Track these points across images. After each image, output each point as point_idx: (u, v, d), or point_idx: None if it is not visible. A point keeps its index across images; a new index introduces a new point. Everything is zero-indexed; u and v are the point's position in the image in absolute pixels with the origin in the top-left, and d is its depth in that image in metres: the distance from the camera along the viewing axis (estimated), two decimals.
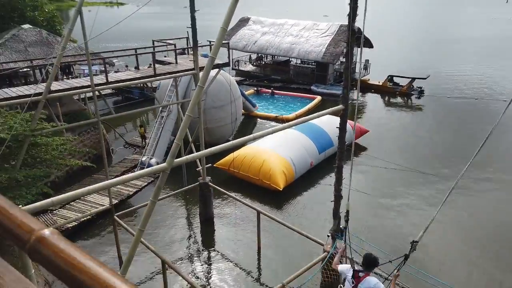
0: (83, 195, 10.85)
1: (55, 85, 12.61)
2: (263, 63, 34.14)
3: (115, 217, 10.92)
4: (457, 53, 43.66)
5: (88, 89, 11.35)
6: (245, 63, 33.87)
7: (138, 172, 5.85)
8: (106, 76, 14.02)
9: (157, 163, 14.96)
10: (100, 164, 13.88)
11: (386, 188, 15.06)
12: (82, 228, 12.50)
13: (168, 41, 16.38)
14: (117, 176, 14.22)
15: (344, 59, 8.01)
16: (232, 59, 27.22)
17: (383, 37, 46.45)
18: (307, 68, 31.20)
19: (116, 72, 18.83)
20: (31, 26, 21.79)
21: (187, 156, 6.45)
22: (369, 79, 29.38)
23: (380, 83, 28.48)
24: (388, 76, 28.53)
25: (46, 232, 0.62)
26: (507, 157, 17.48)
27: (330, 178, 14.41)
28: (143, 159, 16.06)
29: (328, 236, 8.58)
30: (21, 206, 5.57)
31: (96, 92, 11.19)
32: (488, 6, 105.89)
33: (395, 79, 28.58)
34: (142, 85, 21.60)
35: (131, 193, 14.52)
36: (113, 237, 11.36)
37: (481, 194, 14.61)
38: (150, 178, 15.44)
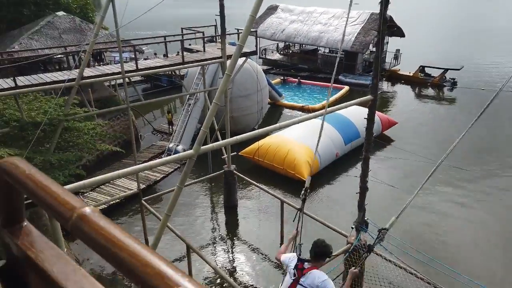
0: (112, 179, 11.22)
1: (87, 72, 12.99)
2: (290, 52, 33.80)
3: (143, 201, 11.21)
4: (493, 44, 41.68)
5: (119, 75, 11.62)
6: (272, 52, 33.64)
7: (165, 158, 5.96)
8: (136, 63, 14.30)
9: (184, 150, 15.20)
10: (129, 150, 14.25)
11: (413, 182, 14.72)
12: (111, 211, 12.92)
13: (196, 29, 16.47)
14: (145, 161, 14.58)
15: (374, 48, 7.81)
16: (259, 48, 27.09)
17: (416, 26, 44.93)
18: (335, 58, 30.66)
19: (145, 59, 19.15)
20: (65, 13, 22.37)
21: (213, 144, 6.52)
22: (399, 70, 28.57)
23: (411, 74, 27.67)
24: (420, 67, 27.63)
25: (87, 210, 0.65)
26: None
27: (355, 170, 14.25)
28: (170, 145, 16.36)
29: (352, 228, 8.52)
30: None
31: (126, 79, 11.44)
32: None
33: (427, 70, 27.68)
34: (170, 72, 21.89)
35: (158, 178, 14.86)
36: (140, 220, 11.69)
37: None
38: (176, 164, 15.74)
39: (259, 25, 31.15)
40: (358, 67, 28.60)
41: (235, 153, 13.52)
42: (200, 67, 14.73)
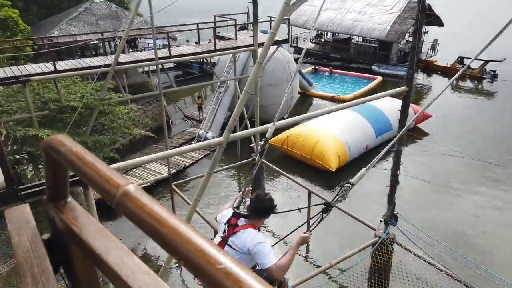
0: (144, 163, 11.48)
1: (122, 57, 13.27)
2: (322, 40, 33.21)
3: (173, 185, 11.45)
4: None
5: (152, 62, 11.82)
6: (303, 40, 33.18)
7: (195, 144, 6.05)
8: (169, 50, 14.48)
9: (213, 137, 15.38)
10: (160, 135, 14.55)
11: (447, 177, 14.27)
12: None
13: (228, 17, 16.46)
14: (175, 147, 14.88)
15: (411, 38, 7.55)
16: (291, 36, 26.78)
17: (455, 15, 42.95)
18: (369, 47, 29.88)
19: (177, 46, 19.38)
20: (102, 0, 22.92)
21: (242, 131, 6.54)
22: (436, 60, 27.52)
23: (449, 65, 26.58)
24: (458, 58, 26.47)
25: (131, 187, 0.67)
26: None
27: (386, 163, 13.94)
28: (200, 132, 16.58)
29: (380, 221, 8.39)
30: None
31: (159, 66, 11.62)
32: None
33: (466, 61, 26.50)
34: (202, 60, 22.06)
35: (188, 164, 15.14)
36: (170, 204, 11.98)
37: None
38: (206, 151, 15.96)
39: (291, 13, 30.74)
40: (393, 57, 27.76)
41: (264, 142, 13.51)
42: (231, 55, 14.77)
